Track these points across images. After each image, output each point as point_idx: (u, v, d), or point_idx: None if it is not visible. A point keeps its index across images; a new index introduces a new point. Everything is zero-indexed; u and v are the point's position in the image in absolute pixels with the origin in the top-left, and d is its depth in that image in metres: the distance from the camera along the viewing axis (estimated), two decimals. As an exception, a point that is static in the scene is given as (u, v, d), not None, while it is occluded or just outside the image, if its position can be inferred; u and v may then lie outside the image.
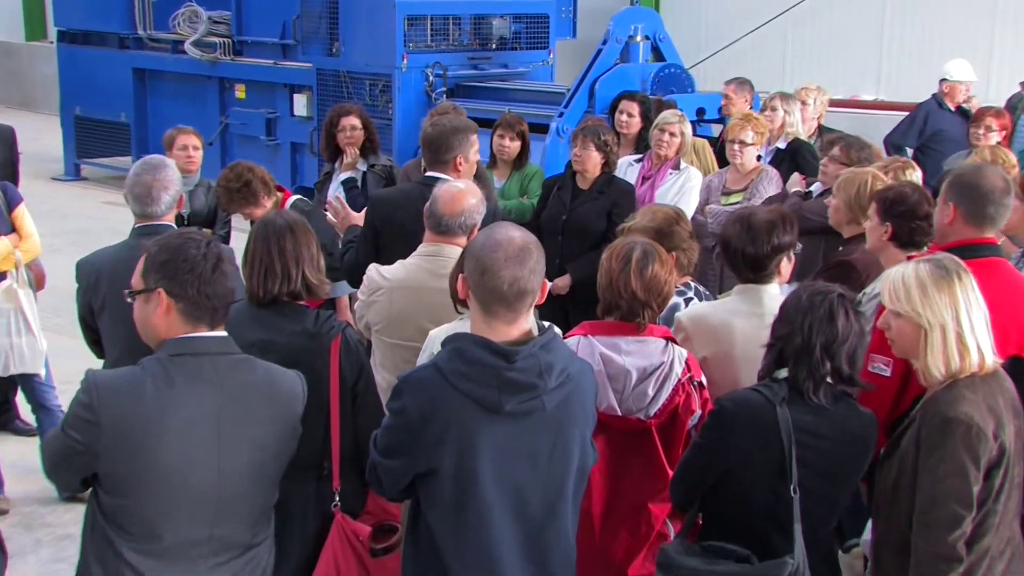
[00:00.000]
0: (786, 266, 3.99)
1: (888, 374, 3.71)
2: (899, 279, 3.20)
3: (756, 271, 3.94)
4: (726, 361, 3.82)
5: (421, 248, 4.21)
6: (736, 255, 3.96)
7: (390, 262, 4.27)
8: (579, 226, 6.33)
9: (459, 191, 4.18)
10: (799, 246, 4.06)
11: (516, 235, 2.80)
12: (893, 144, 8.99)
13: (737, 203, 6.60)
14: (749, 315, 3.82)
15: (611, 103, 8.22)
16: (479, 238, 2.85)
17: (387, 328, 4.14)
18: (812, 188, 6.22)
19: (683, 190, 6.73)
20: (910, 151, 8.90)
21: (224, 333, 2.92)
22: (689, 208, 6.53)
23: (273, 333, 3.49)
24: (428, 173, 4.97)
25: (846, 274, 4.31)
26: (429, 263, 4.13)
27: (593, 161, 6.35)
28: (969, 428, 3.00)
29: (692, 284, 4.45)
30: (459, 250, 3.94)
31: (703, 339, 3.88)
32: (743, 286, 3.99)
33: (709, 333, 3.89)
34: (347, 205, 5.52)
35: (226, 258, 2.93)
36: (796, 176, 6.42)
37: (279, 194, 5.88)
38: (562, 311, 6.22)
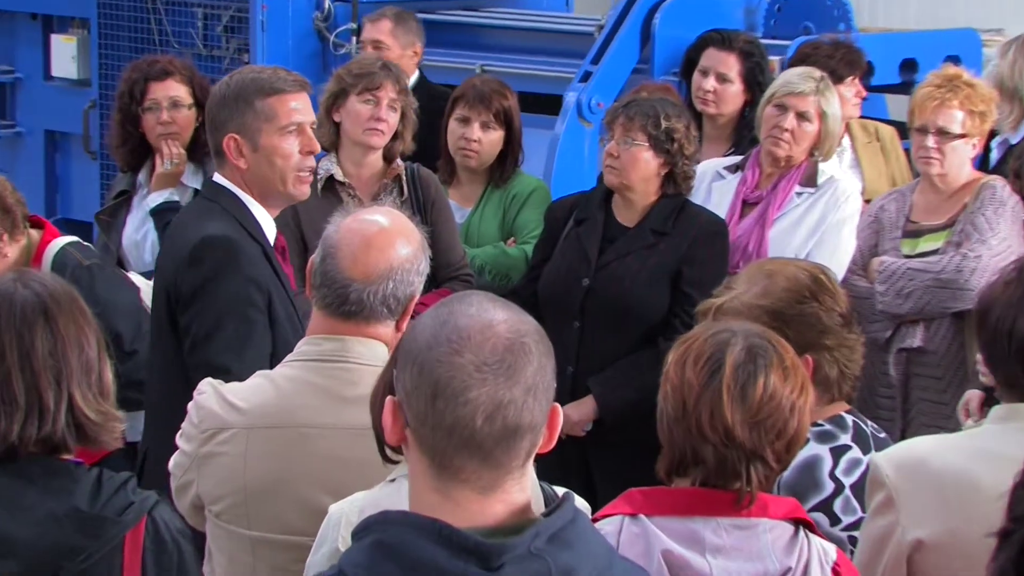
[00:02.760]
0: None
1: None
2: None
3: None
4: (963, 550, 3.84)
5: (306, 346, 4.25)
6: (1000, 338, 3.96)
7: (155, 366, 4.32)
8: (616, 300, 6.41)
9: (378, 231, 4.22)
10: None
11: (498, 319, 2.82)
12: None
13: (935, 250, 6.67)
14: (1013, 462, 3.75)
15: (685, 55, 8.31)
16: (424, 324, 2.86)
17: (240, 508, 4.17)
18: None
19: (826, 226, 6.83)
20: None
21: None
22: (840, 262, 6.64)
23: (8, 518, 3.51)
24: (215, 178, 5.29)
25: None
26: (322, 375, 4.17)
27: (643, 170, 6.45)
28: None
29: (849, 418, 4.51)
30: (383, 349, 4.01)
31: (922, 504, 3.92)
32: (1007, 407, 4.01)
33: (933, 492, 3.93)
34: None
35: None
36: None
37: (33, 233, 5.95)
38: (582, 466, 6.27)
